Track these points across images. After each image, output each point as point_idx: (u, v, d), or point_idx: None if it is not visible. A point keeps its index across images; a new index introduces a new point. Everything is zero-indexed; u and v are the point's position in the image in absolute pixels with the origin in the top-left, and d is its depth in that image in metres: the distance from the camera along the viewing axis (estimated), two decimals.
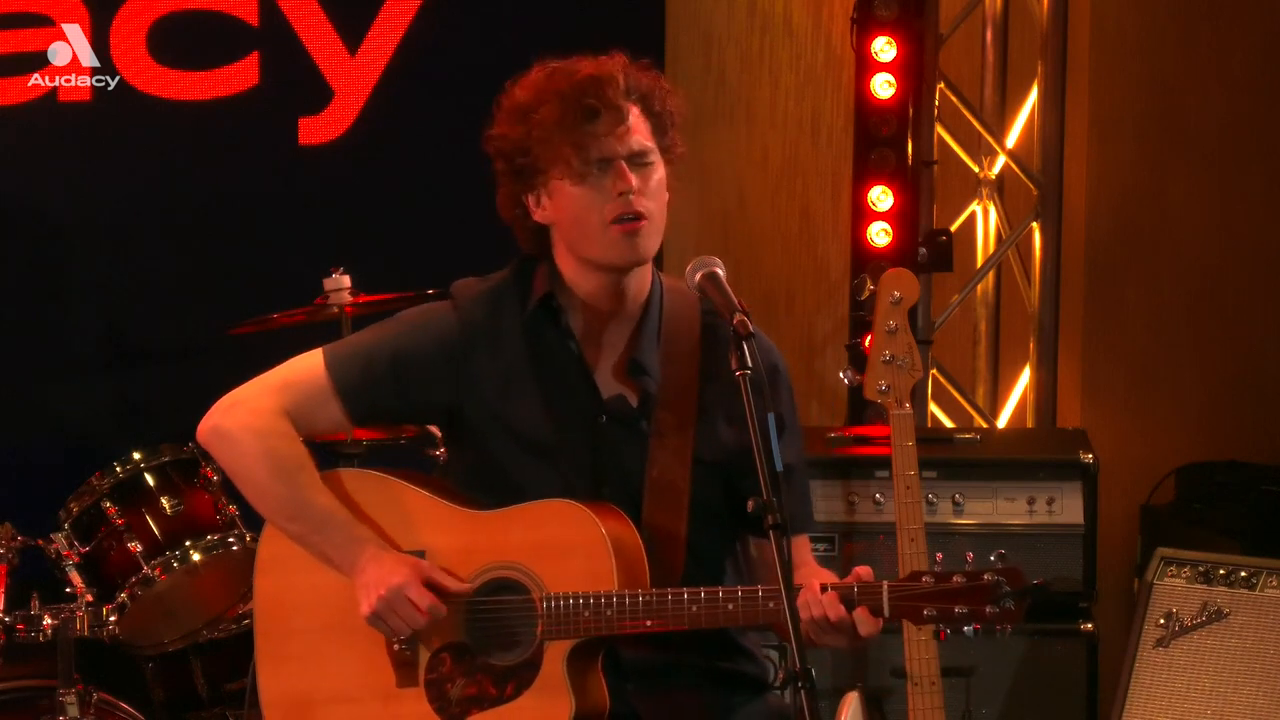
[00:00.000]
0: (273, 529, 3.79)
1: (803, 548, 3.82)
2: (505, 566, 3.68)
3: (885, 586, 3.51)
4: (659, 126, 3.71)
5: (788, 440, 3.72)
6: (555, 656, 3.63)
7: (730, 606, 3.58)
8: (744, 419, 3.45)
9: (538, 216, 3.72)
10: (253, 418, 3.74)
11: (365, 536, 3.71)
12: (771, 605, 3.53)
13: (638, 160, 3.66)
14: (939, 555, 3.55)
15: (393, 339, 3.78)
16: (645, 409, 3.74)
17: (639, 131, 3.67)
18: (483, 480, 3.75)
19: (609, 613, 3.59)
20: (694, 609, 3.58)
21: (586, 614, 3.60)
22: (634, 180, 3.64)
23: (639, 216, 3.65)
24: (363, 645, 3.72)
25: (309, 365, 3.78)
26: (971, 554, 3.53)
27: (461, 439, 3.80)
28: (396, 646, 3.71)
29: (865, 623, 3.52)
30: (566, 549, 3.63)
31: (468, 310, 3.77)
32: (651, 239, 3.70)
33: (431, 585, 3.66)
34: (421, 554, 3.71)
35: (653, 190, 3.67)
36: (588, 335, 3.76)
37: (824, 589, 3.53)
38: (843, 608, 3.52)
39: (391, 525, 3.75)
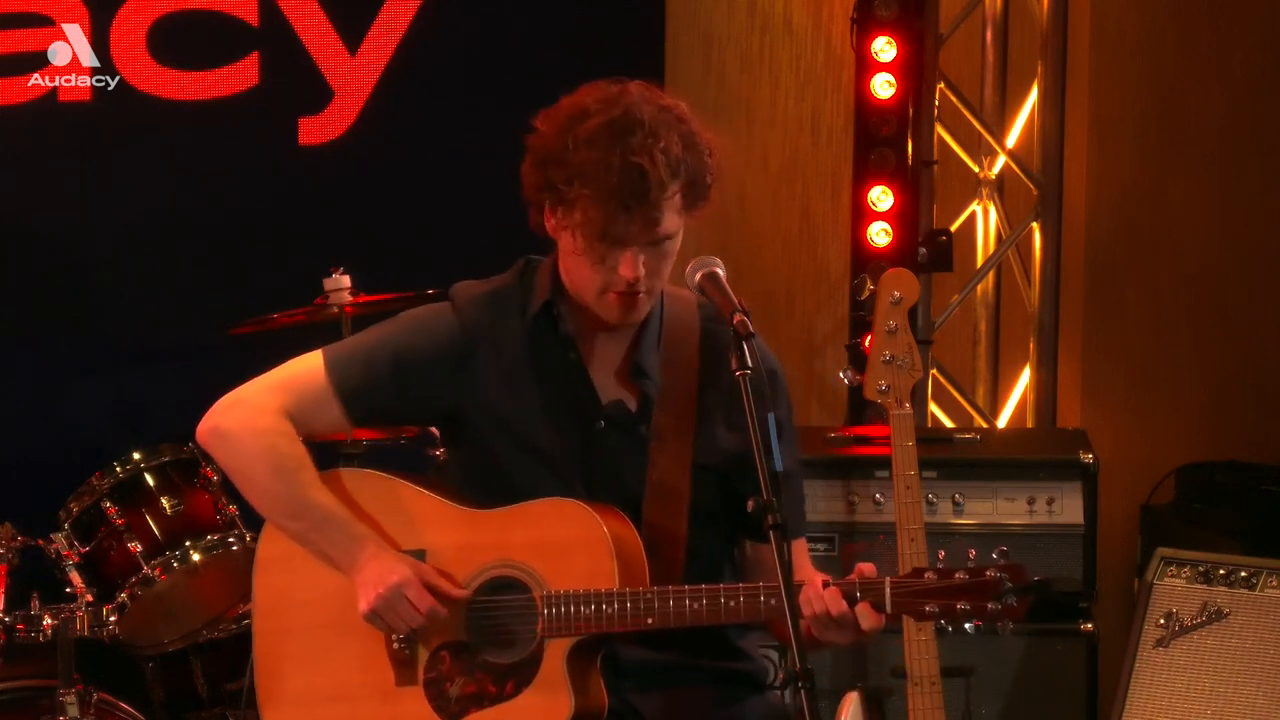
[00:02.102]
0: (273, 528, 3.79)
1: (800, 552, 3.82)
2: (506, 565, 3.68)
3: (888, 582, 3.51)
4: (692, 200, 3.63)
5: (784, 445, 3.70)
6: (555, 654, 3.63)
7: (732, 604, 3.57)
8: (743, 424, 3.45)
9: (549, 226, 3.67)
10: (253, 417, 3.74)
11: (365, 535, 3.72)
12: (773, 602, 3.53)
13: (656, 242, 3.60)
14: (941, 553, 3.55)
15: (393, 341, 3.78)
16: (644, 413, 3.74)
17: (669, 217, 3.59)
18: (482, 482, 3.75)
19: (609, 610, 3.60)
20: (695, 606, 3.57)
21: (587, 612, 3.60)
22: (641, 269, 3.59)
23: (636, 292, 3.63)
24: (361, 644, 3.73)
25: (309, 366, 3.78)
26: (974, 551, 3.52)
27: (461, 440, 3.80)
28: (395, 645, 3.71)
29: (867, 617, 3.52)
30: (568, 547, 3.63)
31: (469, 312, 3.77)
32: (645, 307, 3.69)
33: (430, 588, 3.66)
34: (422, 553, 3.71)
35: (660, 267, 3.63)
36: (588, 341, 3.75)
37: (826, 585, 3.53)
38: (844, 603, 3.52)
39: (391, 524, 3.75)
